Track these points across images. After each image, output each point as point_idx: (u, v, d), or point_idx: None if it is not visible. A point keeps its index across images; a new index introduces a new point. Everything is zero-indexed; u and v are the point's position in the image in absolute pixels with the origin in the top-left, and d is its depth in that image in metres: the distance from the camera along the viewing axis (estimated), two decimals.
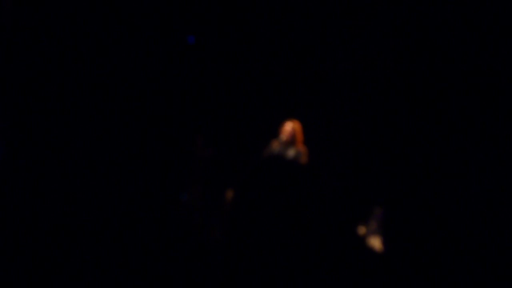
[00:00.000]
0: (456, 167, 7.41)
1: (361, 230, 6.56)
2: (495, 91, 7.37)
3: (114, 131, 7.61)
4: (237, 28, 8.00)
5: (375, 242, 6.64)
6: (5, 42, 6.77)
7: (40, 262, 2.14)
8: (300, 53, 7.92)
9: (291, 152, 5.85)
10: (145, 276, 2.06)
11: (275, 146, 5.92)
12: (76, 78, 7.44)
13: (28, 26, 7.18)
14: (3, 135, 6.65)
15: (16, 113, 7.05)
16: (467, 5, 7.32)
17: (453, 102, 7.50)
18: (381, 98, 7.76)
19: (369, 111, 7.80)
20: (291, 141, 5.92)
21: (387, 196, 7.42)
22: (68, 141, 7.24)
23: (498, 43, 7.24)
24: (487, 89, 7.39)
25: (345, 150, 7.81)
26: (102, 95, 7.59)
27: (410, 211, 7.19)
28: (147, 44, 7.80)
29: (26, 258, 2.17)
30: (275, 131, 6.01)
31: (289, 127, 5.95)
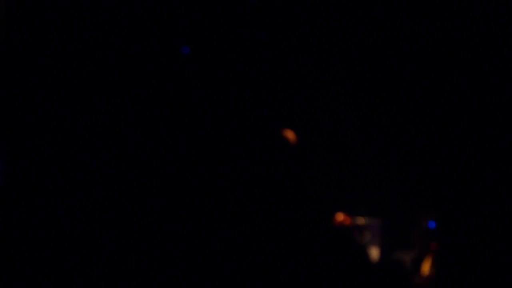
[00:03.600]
0: (453, 176, 7.40)
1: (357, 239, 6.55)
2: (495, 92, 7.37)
3: (110, 141, 7.60)
4: (232, 39, 8.01)
5: (370, 252, 6.64)
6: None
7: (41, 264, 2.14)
8: (294, 63, 7.93)
9: None
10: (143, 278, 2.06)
11: None
12: (74, 87, 7.43)
13: (22, 34, 7.17)
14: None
15: (11, 119, 7.04)
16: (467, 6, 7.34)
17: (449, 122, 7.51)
18: (377, 107, 7.76)
19: (364, 120, 7.80)
20: None
21: (382, 205, 7.41)
22: (64, 147, 7.23)
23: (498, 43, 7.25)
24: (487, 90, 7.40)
25: (340, 159, 7.79)
26: (96, 104, 7.58)
27: (406, 220, 7.18)
28: (141, 54, 7.80)
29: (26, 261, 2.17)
30: None
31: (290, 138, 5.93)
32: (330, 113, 7.86)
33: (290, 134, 6.30)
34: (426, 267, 6.71)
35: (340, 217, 6.74)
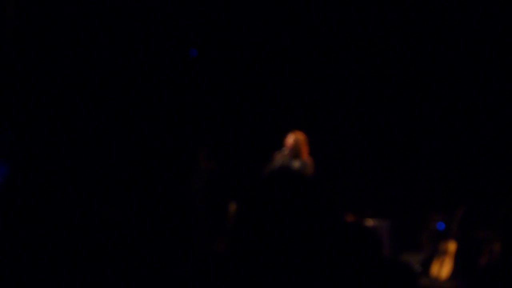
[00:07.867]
0: (458, 178, 7.39)
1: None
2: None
3: (116, 142, 7.60)
4: (239, 42, 8.00)
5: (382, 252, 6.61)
6: (6, 49, 6.75)
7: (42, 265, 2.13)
8: (303, 64, 7.92)
9: (296, 164, 5.78)
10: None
11: (279, 158, 5.85)
12: (79, 88, 7.43)
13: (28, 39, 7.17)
14: (4, 147, 6.64)
15: (16, 122, 7.04)
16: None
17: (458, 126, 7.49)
18: (386, 107, 7.75)
19: (374, 120, 7.78)
20: (296, 153, 5.84)
21: (391, 207, 7.39)
22: (69, 151, 7.23)
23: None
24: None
25: (351, 160, 7.77)
26: (104, 106, 7.58)
27: (415, 222, 7.17)
28: (150, 57, 7.79)
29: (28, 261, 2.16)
30: (279, 143, 5.94)
31: (292, 139, 5.88)
32: (340, 116, 7.85)
33: (300, 136, 6.26)
34: (435, 268, 6.69)
35: (349, 218, 6.72)
